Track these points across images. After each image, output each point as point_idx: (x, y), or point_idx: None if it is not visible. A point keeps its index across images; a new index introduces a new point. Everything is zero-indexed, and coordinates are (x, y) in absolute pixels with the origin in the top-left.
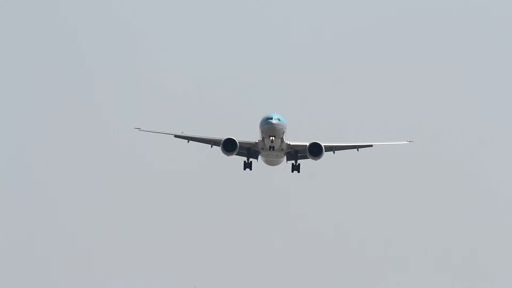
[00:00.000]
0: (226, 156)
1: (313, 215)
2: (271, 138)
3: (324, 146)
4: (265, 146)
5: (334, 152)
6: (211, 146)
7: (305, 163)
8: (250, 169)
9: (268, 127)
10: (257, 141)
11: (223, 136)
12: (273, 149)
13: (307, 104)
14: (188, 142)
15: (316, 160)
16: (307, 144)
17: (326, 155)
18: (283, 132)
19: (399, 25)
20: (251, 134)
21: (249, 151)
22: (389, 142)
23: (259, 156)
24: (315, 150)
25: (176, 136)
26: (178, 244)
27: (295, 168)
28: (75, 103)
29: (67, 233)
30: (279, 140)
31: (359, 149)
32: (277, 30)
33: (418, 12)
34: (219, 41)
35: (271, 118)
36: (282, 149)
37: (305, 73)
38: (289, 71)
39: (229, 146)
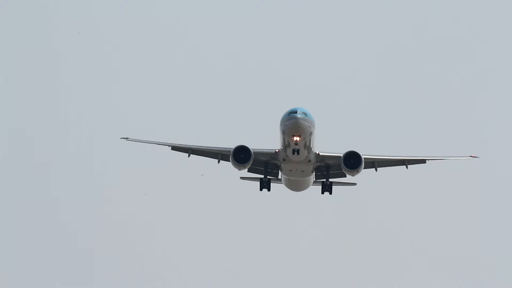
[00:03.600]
0: (237, 170)
1: (348, 247)
2: (295, 138)
3: (363, 158)
4: (288, 156)
5: (376, 170)
6: (218, 161)
7: (338, 188)
8: (268, 190)
9: (292, 122)
10: (277, 150)
11: (232, 146)
12: (298, 153)
13: (341, 110)
14: (189, 156)
15: (352, 175)
16: (341, 154)
17: (365, 173)
18: (311, 132)
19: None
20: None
21: (267, 166)
22: (447, 157)
23: (281, 175)
24: (352, 162)
25: (173, 148)
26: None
27: (326, 188)
28: (50, 107)
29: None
30: (305, 150)
31: (408, 165)
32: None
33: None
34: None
35: (295, 112)
36: (309, 161)
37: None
38: (317, 69)
39: (241, 156)
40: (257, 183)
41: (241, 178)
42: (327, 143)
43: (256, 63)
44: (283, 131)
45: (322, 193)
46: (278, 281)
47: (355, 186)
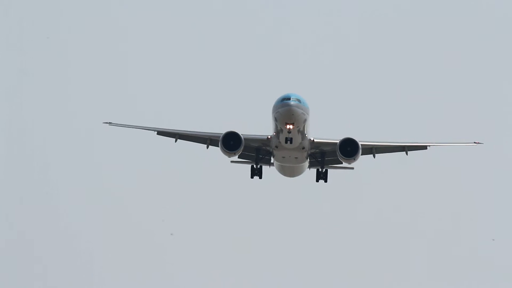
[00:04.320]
0: (227, 157)
1: (344, 241)
2: (288, 126)
3: (361, 144)
4: (280, 143)
5: (374, 156)
6: (207, 146)
7: (334, 172)
8: (260, 177)
9: (284, 110)
10: (269, 137)
11: (222, 131)
12: (291, 142)
13: (338, 95)
14: (176, 141)
15: (349, 163)
16: (338, 141)
17: (363, 159)
18: (305, 119)
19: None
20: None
21: (259, 152)
22: (450, 143)
23: (273, 161)
24: (348, 149)
25: (159, 133)
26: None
27: (321, 176)
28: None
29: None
30: (299, 135)
31: (408, 151)
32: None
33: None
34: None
35: (289, 99)
36: (303, 148)
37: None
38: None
39: (231, 142)
40: (249, 167)
41: (232, 161)
42: (323, 128)
43: (248, 45)
44: (275, 118)
45: (317, 181)
46: (270, 272)
47: (352, 171)
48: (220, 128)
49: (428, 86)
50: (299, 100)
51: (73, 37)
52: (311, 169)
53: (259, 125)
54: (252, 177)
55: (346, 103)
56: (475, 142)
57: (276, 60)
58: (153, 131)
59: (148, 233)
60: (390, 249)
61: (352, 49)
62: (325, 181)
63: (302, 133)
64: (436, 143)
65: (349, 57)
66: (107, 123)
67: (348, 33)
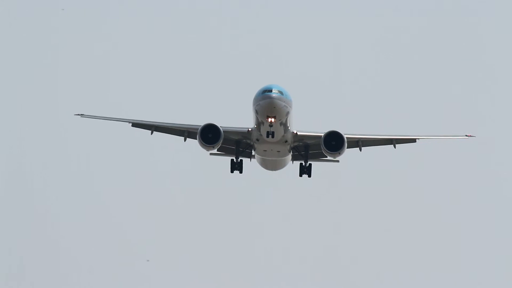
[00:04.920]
0: (205, 150)
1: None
2: (269, 120)
3: (346, 137)
4: (261, 136)
5: (360, 149)
6: (185, 139)
7: (318, 166)
8: (240, 171)
9: (266, 102)
10: (250, 129)
11: (200, 123)
12: (272, 136)
13: (323, 86)
14: (151, 133)
15: (334, 157)
16: (322, 134)
17: (349, 153)
18: (287, 112)
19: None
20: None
21: (239, 145)
22: (440, 136)
23: (254, 154)
24: (333, 143)
25: (134, 124)
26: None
27: (305, 170)
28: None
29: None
30: (282, 128)
31: (396, 144)
32: None
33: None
34: None
35: (270, 91)
36: (286, 141)
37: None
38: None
39: (209, 135)
40: (229, 159)
41: (211, 154)
42: (308, 120)
43: (229, 37)
44: (256, 111)
45: (300, 175)
46: (249, 269)
47: (337, 165)
48: (198, 120)
49: (418, 78)
50: (281, 92)
51: (45, 28)
52: (294, 162)
53: (239, 116)
54: (232, 171)
55: (332, 94)
56: (466, 135)
57: (257, 51)
58: (127, 123)
59: (123, 228)
60: (375, 245)
61: (338, 41)
62: (309, 176)
63: (284, 125)
64: (425, 136)
65: (335, 49)
66: (78, 115)
67: (335, 24)
